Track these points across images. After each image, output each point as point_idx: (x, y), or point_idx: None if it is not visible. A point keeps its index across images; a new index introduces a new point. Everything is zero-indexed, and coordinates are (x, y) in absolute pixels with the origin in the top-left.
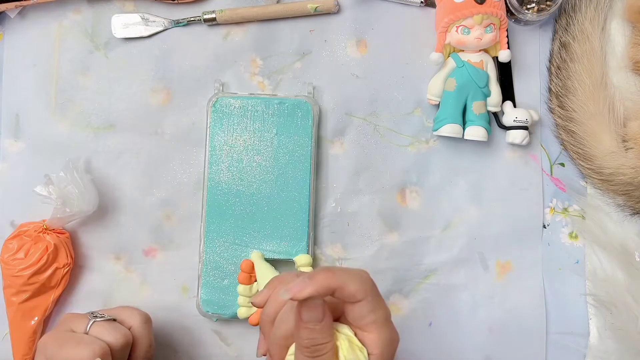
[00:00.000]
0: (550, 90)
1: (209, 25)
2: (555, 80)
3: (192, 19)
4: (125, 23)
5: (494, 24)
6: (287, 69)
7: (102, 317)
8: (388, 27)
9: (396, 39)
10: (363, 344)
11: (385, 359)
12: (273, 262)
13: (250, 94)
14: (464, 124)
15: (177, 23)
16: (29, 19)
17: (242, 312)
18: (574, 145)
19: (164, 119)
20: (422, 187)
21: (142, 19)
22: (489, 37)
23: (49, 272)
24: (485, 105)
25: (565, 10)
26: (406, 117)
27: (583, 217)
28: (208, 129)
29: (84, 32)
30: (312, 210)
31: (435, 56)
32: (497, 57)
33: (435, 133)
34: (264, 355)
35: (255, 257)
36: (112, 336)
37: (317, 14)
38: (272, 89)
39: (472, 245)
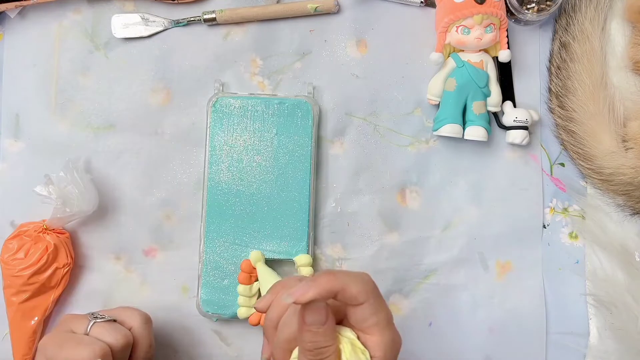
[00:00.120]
0: (550, 90)
1: (209, 25)
2: (555, 80)
3: (192, 19)
4: (125, 23)
5: (494, 24)
6: (287, 69)
7: (102, 317)
8: (388, 27)
9: (396, 39)
10: (365, 347)
11: None
12: (273, 262)
13: (250, 94)
14: (464, 124)
15: (177, 23)
16: (29, 19)
17: (242, 312)
18: (574, 145)
19: (164, 119)
20: (422, 187)
21: (142, 19)
22: (489, 37)
23: (49, 272)
24: (485, 105)
25: (565, 10)
26: (406, 117)
27: (583, 217)
28: (208, 129)
29: (84, 32)
30: (312, 210)
31: (435, 56)
32: (497, 57)
33: (435, 133)
34: (268, 359)
35: (257, 261)
36: (113, 337)
37: (317, 14)
38: (272, 89)
39: (472, 245)
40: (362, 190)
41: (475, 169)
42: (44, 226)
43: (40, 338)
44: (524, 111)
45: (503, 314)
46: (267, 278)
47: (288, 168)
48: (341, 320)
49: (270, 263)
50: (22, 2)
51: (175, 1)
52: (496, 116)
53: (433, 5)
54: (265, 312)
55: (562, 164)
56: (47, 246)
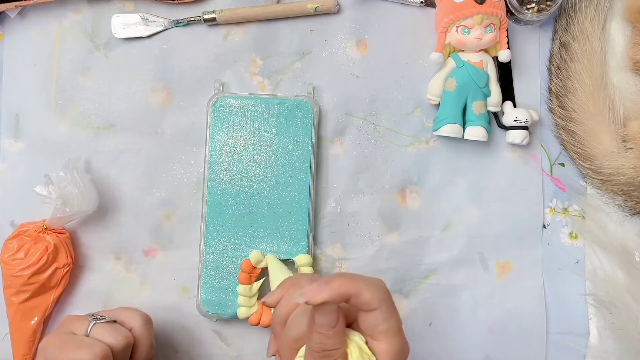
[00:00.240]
0: (550, 90)
1: (209, 25)
2: (555, 80)
3: (192, 19)
4: (125, 23)
5: (494, 24)
6: (287, 69)
7: (102, 319)
8: (388, 27)
9: (396, 39)
10: (373, 353)
11: None
12: None
13: (250, 94)
14: (464, 124)
15: (177, 23)
16: (29, 19)
17: (242, 312)
18: (574, 145)
19: (164, 119)
20: (422, 187)
21: (142, 19)
22: (489, 37)
23: (49, 272)
24: (485, 105)
25: (565, 10)
26: (406, 117)
27: (583, 217)
28: (208, 129)
29: (84, 32)
30: (312, 210)
31: (435, 56)
32: (497, 57)
33: (435, 133)
34: (274, 355)
35: (258, 261)
36: (113, 338)
37: (317, 14)
38: (272, 89)
39: (472, 245)
40: (362, 190)
41: (475, 169)
42: (44, 226)
43: (41, 338)
44: (524, 111)
45: (503, 314)
46: (277, 273)
47: (288, 168)
48: (351, 324)
49: None
50: (22, 2)
51: (175, 1)
52: (496, 116)
53: (433, 5)
54: (273, 308)
55: (562, 164)
56: (47, 246)
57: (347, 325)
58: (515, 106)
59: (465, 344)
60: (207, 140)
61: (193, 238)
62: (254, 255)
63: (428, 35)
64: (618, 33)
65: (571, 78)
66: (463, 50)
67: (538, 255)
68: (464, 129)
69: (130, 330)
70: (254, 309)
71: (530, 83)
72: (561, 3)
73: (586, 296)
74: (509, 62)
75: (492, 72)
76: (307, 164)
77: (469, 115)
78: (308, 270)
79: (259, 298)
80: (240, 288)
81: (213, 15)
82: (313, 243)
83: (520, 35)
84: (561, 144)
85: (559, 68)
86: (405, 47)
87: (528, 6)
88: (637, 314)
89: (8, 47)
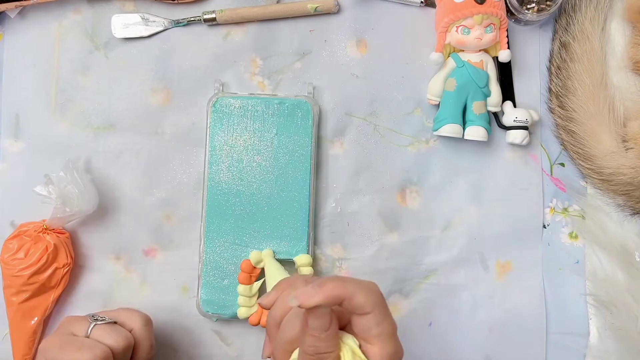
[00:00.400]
0: (550, 90)
1: (209, 25)
2: (555, 80)
3: (192, 19)
4: (125, 23)
5: (494, 24)
6: (287, 69)
7: (103, 320)
8: (388, 27)
9: (396, 39)
10: (366, 356)
11: None
12: None
13: (250, 94)
14: (464, 124)
15: (177, 23)
16: (29, 19)
17: (242, 312)
18: (574, 145)
19: (164, 119)
20: (422, 187)
21: (142, 19)
22: (489, 37)
23: (49, 272)
24: (485, 105)
25: (565, 10)
26: (406, 117)
27: (583, 217)
28: (208, 129)
29: (84, 32)
30: (312, 210)
31: (435, 56)
32: (497, 57)
33: (435, 133)
34: (269, 357)
35: (258, 261)
36: (114, 339)
37: (317, 14)
38: (272, 89)
39: (472, 245)
40: (362, 190)
41: (475, 169)
42: (44, 226)
43: (41, 338)
44: (524, 111)
45: (503, 314)
46: (274, 273)
47: (288, 168)
48: (344, 326)
49: None
50: (22, 2)
51: (175, 1)
52: (496, 116)
53: (433, 5)
54: (268, 309)
55: (562, 164)
56: (47, 246)
57: (341, 329)
58: (515, 106)
59: (465, 344)
60: (207, 140)
61: (193, 238)
62: (254, 255)
63: (428, 35)
64: (618, 33)
65: (571, 78)
66: (463, 50)
67: (538, 255)
68: (464, 129)
69: (130, 331)
70: (254, 309)
71: (530, 83)
72: (561, 3)
73: (586, 296)
74: (509, 62)
75: (492, 72)
76: (307, 164)
77: (469, 115)
78: (308, 270)
79: (259, 298)
80: (240, 288)
81: (213, 15)
82: (313, 243)
83: (520, 35)
84: (561, 144)
85: (559, 68)
86: (405, 47)
87: (528, 6)
88: (637, 314)
89: (8, 47)
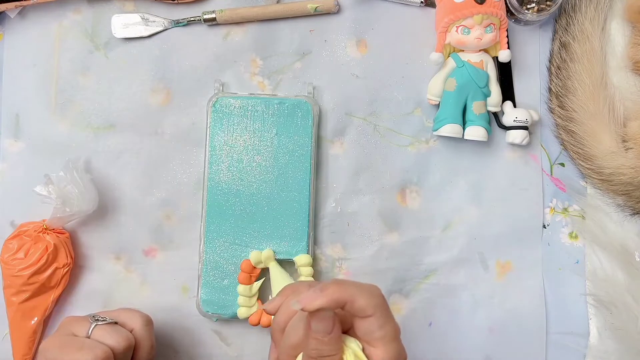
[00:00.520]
0: (550, 90)
1: (209, 25)
2: (555, 80)
3: (192, 19)
4: (125, 23)
5: (494, 24)
6: (287, 69)
7: (103, 320)
8: (388, 27)
9: (396, 39)
10: (369, 359)
11: None
12: None
13: (250, 94)
14: (464, 124)
15: (177, 23)
16: (29, 19)
17: (242, 312)
18: (574, 145)
19: (164, 119)
20: (422, 187)
21: (142, 19)
22: (489, 37)
23: (49, 272)
24: (485, 105)
25: (565, 10)
26: (406, 117)
27: (583, 217)
28: (208, 129)
29: (84, 32)
30: (312, 210)
31: (435, 56)
32: (497, 57)
33: (435, 133)
34: None
35: (258, 262)
36: (115, 340)
37: (317, 14)
38: (272, 89)
39: (472, 245)
40: (362, 190)
41: (475, 169)
42: (44, 226)
43: (41, 338)
44: (524, 111)
45: (503, 314)
46: (278, 279)
47: (288, 168)
48: (347, 330)
49: None
50: (22, 2)
51: (175, 1)
52: (496, 116)
53: (433, 5)
54: (273, 315)
55: (562, 164)
56: (47, 246)
57: (344, 332)
58: (515, 106)
59: (465, 344)
60: (207, 140)
61: (193, 238)
62: (254, 255)
63: (428, 35)
64: (618, 33)
65: (571, 78)
66: (463, 50)
67: (538, 255)
68: (464, 129)
69: (131, 332)
70: (254, 309)
71: (530, 83)
72: (561, 3)
73: (586, 296)
74: (509, 62)
75: (492, 72)
76: (307, 164)
77: (469, 115)
78: (308, 270)
79: (259, 298)
80: (240, 288)
81: (213, 15)
82: (313, 243)
83: (520, 35)
84: (561, 144)
85: (559, 68)
86: (405, 47)
87: (528, 6)
88: (637, 314)
89: (8, 47)
